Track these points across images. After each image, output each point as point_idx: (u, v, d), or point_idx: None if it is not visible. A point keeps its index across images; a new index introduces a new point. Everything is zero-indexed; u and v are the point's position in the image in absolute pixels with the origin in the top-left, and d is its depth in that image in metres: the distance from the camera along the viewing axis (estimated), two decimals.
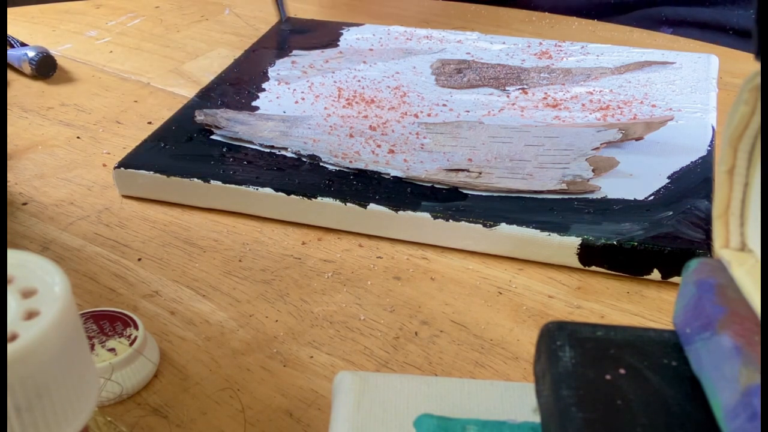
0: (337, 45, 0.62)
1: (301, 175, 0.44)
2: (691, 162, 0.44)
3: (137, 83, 0.60)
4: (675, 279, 0.38)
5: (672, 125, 0.48)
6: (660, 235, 0.38)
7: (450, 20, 0.73)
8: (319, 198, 0.42)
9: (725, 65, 0.58)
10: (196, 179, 0.44)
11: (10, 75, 0.61)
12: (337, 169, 0.44)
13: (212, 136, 0.48)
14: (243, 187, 0.43)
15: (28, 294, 0.19)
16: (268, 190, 0.42)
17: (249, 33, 0.69)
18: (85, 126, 0.54)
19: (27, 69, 0.60)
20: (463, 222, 0.40)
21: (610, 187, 0.42)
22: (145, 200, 0.46)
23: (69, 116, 0.55)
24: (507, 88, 0.54)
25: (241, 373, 0.34)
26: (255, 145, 0.47)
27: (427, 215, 0.41)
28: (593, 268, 0.39)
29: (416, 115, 0.50)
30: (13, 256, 0.20)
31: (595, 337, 0.22)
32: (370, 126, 0.49)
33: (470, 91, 0.54)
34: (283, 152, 0.46)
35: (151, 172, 0.44)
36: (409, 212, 0.41)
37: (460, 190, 0.42)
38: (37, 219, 0.44)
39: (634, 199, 0.41)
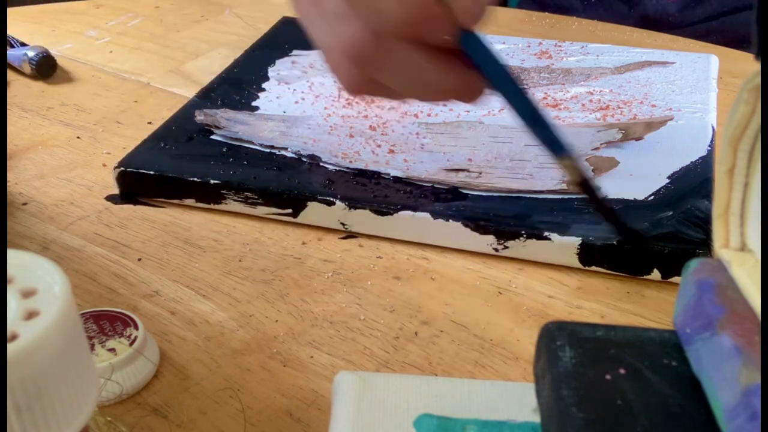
0: None
1: (301, 175, 0.44)
2: (691, 162, 0.44)
3: (137, 83, 0.60)
4: (675, 279, 0.38)
5: (672, 125, 0.48)
6: (660, 235, 0.38)
7: None
8: (317, 200, 0.42)
9: (725, 65, 0.58)
10: (196, 179, 0.44)
11: (10, 75, 0.61)
12: (337, 169, 0.44)
13: (212, 136, 0.48)
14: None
15: (28, 294, 0.19)
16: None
17: (249, 33, 0.69)
18: (85, 126, 0.54)
19: (27, 69, 0.60)
20: (463, 222, 0.40)
21: (610, 187, 0.42)
22: (145, 200, 0.46)
23: (69, 116, 0.55)
24: None
25: (241, 373, 0.34)
26: (255, 145, 0.47)
27: (427, 215, 0.41)
28: (593, 268, 0.39)
29: (416, 115, 0.50)
30: (13, 256, 0.20)
31: (595, 337, 0.22)
32: (370, 126, 0.49)
33: None
34: (283, 152, 0.46)
35: (151, 172, 0.44)
36: (409, 212, 0.41)
37: (460, 190, 0.42)
38: (37, 219, 0.44)
39: (634, 199, 0.41)
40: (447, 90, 0.31)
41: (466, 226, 0.40)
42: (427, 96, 0.32)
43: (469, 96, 0.31)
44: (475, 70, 0.31)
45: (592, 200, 0.36)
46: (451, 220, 0.40)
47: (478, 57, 0.30)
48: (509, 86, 0.31)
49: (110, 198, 0.46)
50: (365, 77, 0.31)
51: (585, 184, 0.35)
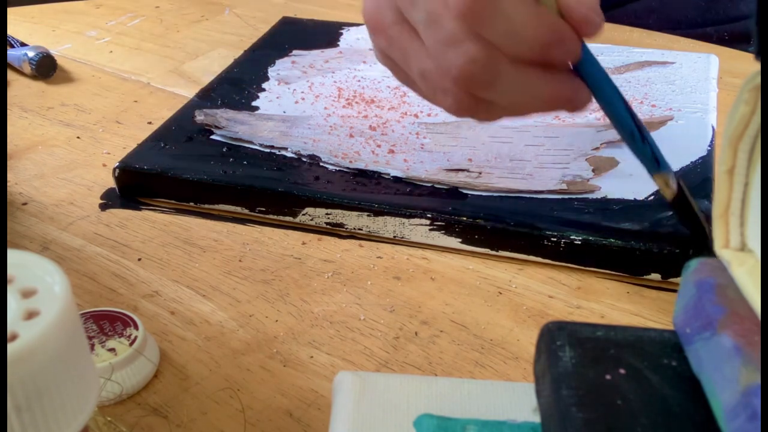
0: (337, 45, 0.62)
1: (301, 175, 0.44)
2: (691, 162, 0.44)
3: (137, 83, 0.60)
4: (675, 279, 0.38)
5: (672, 125, 0.48)
6: (660, 235, 0.38)
7: None
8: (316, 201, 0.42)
9: (725, 65, 0.58)
10: (196, 179, 0.44)
11: (10, 75, 0.61)
12: (337, 169, 0.44)
13: (212, 136, 0.48)
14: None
15: (28, 294, 0.19)
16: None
17: (249, 33, 0.69)
18: (85, 126, 0.54)
19: (27, 69, 0.60)
20: (462, 222, 0.40)
21: (610, 187, 0.42)
22: (145, 200, 0.46)
23: (69, 116, 0.55)
24: None
25: (241, 373, 0.34)
26: (255, 145, 0.47)
27: (427, 215, 0.41)
28: (593, 268, 0.39)
29: (416, 115, 0.50)
30: (13, 256, 0.20)
31: (595, 337, 0.22)
32: (370, 126, 0.49)
33: None
34: (283, 152, 0.46)
35: (152, 172, 0.44)
36: (409, 212, 0.41)
37: (460, 190, 0.42)
38: (37, 219, 0.44)
39: (634, 199, 0.41)
40: (558, 101, 0.30)
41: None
42: (537, 108, 0.31)
43: (578, 105, 0.31)
44: (578, 77, 0.30)
45: (685, 216, 0.34)
46: (451, 221, 0.40)
47: (585, 68, 0.30)
48: (614, 98, 0.31)
49: (108, 198, 0.46)
50: (474, 98, 0.31)
51: (680, 202, 0.34)
